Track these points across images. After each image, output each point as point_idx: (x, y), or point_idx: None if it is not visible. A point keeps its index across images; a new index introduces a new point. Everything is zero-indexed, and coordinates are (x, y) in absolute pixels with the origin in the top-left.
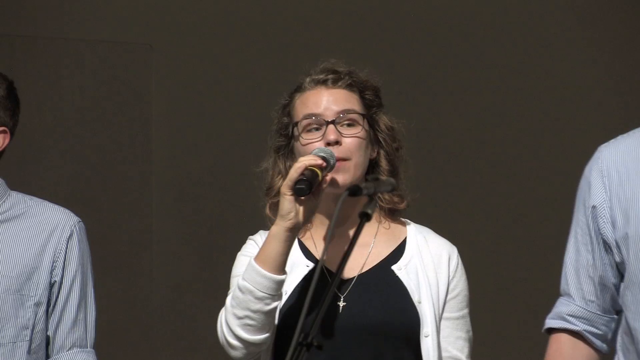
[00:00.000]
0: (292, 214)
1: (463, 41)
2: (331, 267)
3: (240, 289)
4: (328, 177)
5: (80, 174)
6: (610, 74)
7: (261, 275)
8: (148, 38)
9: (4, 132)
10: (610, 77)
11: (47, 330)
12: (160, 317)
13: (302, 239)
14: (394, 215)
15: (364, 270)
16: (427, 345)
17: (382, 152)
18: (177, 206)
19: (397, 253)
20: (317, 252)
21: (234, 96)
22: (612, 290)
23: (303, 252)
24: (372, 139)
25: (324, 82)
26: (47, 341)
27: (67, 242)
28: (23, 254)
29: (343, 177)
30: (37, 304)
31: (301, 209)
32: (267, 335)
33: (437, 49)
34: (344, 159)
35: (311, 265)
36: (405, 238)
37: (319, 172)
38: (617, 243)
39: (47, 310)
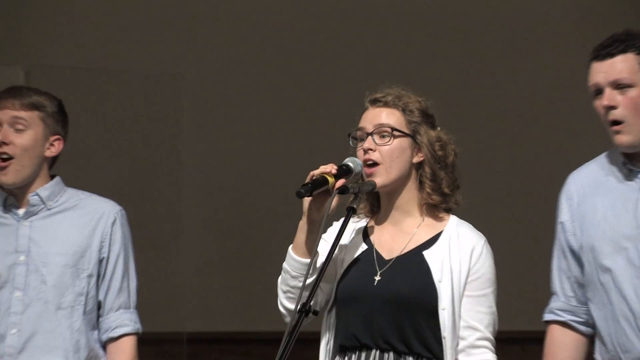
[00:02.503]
0: (307, 211)
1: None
2: (382, 251)
3: (283, 270)
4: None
5: (122, 179)
6: None
7: (292, 259)
8: (180, 68)
9: (58, 139)
10: None
11: (97, 296)
12: (186, 288)
13: (368, 225)
14: (433, 210)
15: (402, 253)
16: (444, 316)
17: (425, 158)
18: (202, 204)
19: (432, 241)
20: (374, 237)
21: (254, 119)
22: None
23: (363, 235)
24: (414, 147)
25: (372, 102)
26: (98, 305)
27: (112, 226)
28: (77, 236)
29: (377, 179)
30: (90, 276)
31: (313, 208)
32: None
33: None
34: (376, 164)
35: (365, 247)
36: (442, 230)
37: (329, 177)
38: (578, 251)
39: (97, 281)
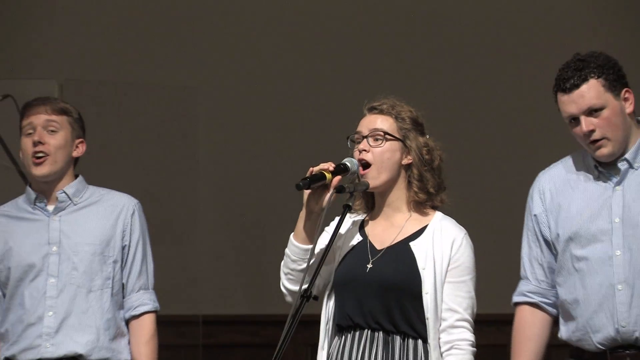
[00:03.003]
0: (306, 202)
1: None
2: (374, 242)
3: (285, 254)
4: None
5: (145, 179)
6: None
7: (293, 244)
8: (196, 81)
9: (82, 142)
10: None
11: (122, 279)
12: (202, 275)
13: (365, 219)
14: (420, 206)
15: (391, 244)
16: (427, 299)
17: (413, 161)
18: (216, 201)
19: (418, 234)
20: (368, 229)
21: (263, 126)
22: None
23: (360, 228)
24: (403, 150)
25: (369, 110)
26: (122, 287)
27: (132, 217)
28: (103, 227)
29: (370, 181)
30: (115, 261)
31: (312, 200)
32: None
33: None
34: (368, 165)
35: (360, 238)
36: (428, 224)
37: (327, 174)
38: (552, 241)
39: (121, 266)
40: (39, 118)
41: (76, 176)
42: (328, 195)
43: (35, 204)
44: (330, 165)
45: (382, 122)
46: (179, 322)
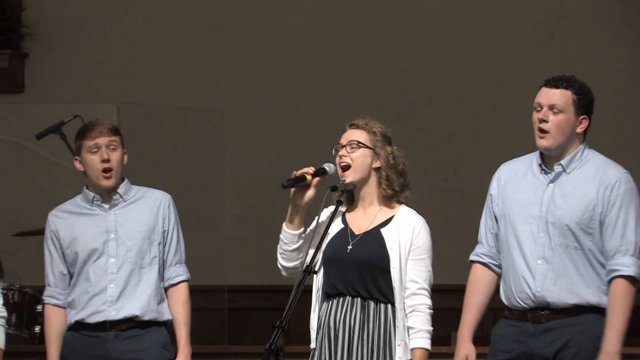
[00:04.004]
0: (292, 198)
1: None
2: (353, 228)
3: (280, 239)
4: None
5: (185, 180)
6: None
7: (285, 231)
8: (222, 105)
9: (126, 153)
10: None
11: (163, 256)
12: (227, 254)
13: (345, 211)
14: (388, 201)
15: (366, 230)
16: (394, 273)
17: (382, 165)
18: (239, 196)
19: (387, 222)
20: (348, 218)
21: (275, 140)
22: None
23: (342, 217)
24: (374, 156)
25: (349, 126)
26: (163, 262)
27: (168, 208)
28: (148, 217)
29: (350, 179)
30: (159, 243)
31: (297, 196)
32: (295, 263)
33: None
34: (348, 166)
35: (342, 225)
36: (395, 214)
37: (307, 176)
38: (498, 217)
39: (163, 246)
40: (103, 140)
41: (122, 179)
42: (327, 193)
43: (92, 202)
44: (310, 169)
45: (358, 135)
46: (209, 290)
